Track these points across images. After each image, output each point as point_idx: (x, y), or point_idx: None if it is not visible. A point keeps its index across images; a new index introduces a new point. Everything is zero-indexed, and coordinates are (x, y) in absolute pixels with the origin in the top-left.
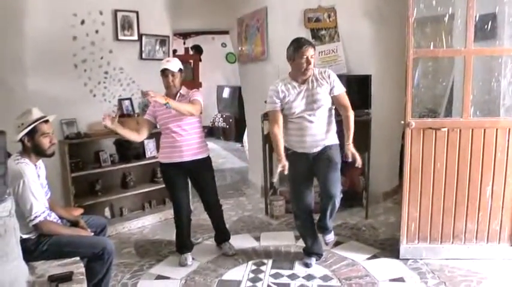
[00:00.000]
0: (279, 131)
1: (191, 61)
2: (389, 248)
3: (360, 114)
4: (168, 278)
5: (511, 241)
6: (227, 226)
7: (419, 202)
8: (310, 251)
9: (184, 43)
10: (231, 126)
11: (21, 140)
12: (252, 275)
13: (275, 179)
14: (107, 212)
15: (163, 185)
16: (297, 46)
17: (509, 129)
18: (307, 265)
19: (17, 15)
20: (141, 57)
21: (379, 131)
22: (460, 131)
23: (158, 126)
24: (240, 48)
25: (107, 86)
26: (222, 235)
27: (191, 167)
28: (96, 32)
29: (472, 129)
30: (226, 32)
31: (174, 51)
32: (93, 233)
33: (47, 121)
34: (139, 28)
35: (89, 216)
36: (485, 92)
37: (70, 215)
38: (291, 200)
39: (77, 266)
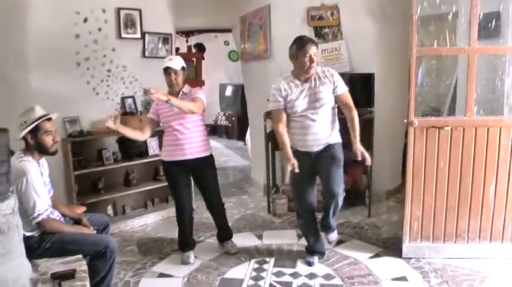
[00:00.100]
0: (284, 130)
1: (194, 59)
2: (391, 247)
3: (362, 113)
4: (170, 276)
5: None
6: (229, 224)
7: (422, 200)
8: (313, 250)
9: (187, 41)
10: (233, 124)
11: (24, 138)
12: (254, 273)
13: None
14: (110, 210)
15: (166, 183)
16: (300, 44)
17: None
18: (309, 264)
19: (20, 13)
20: (144, 55)
21: (382, 130)
22: (464, 129)
23: (161, 125)
24: (242, 46)
25: (109, 84)
26: (224, 233)
27: (194, 165)
28: (99, 30)
29: (476, 128)
30: (229, 30)
31: (177, 49)
32: (95, 231)
33: (49, 119)
34: (142, 26)
35: (91, 214)
36: (489, 91)
37: (73, 213)
38: (294, 199)
39: (79, 264)
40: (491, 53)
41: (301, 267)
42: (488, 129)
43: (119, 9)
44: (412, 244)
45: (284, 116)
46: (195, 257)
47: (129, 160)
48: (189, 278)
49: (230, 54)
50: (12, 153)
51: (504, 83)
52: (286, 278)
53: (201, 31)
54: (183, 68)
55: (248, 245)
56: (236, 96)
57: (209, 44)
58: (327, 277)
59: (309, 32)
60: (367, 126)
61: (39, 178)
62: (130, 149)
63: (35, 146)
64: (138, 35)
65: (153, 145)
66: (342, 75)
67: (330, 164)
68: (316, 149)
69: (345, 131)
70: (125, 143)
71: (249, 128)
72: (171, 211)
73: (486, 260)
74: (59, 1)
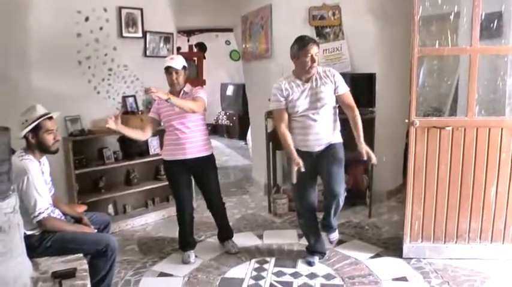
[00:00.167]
0: (286, 129)
1: (195, 58)
2: (392, 247)
3: (364, 113)
4: (171, 275)
5: None
6: (230, 223)
7: (423, 201)
8: (313, 250)
9: (188, 40)
10: (234, 124)
11: (25, 137)
12: (254, 273)
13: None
14: (111, 209)
15: (167, 183)
16: (301, 44)
17: None
18: (310, 264)
19: (21, 11)
20: (145, 55)
21: (383, 130)
22: (465, 130)
23: (162, 124)
24: (244, 45)
25: (111, 83)
26: (225, 233)
27: (194, 164)
28: (101, 29)
29: (477, 129)
30: (230, 30)
31: (178, 48)
32: (96, 230)
33: (51, 118)
34: (144, 25)
35: (92, 213)
36: (491, 91)
37: (74, 211)
38: (295, 199)
39: (80, 263)
40: (493, 54)
41: (301, 267)
42: (489, 129)
43: (120, 8)
44: (412, 244)
45: (286, 116)
46: (196, 256)
47: (130, 159)
48: (190, 278)
49: (231, 53)
50: (13, 152)
51: (506, 84)
52: (286, 278)
53: (202, 30)
54: (184, 67)
55: (249, 245)
56: (237, 96)
57: (210, 43)
58: (328, 277)
59: (310, 32)
60: (368, 126)
61: (40, 176)
62: (131, 148)
63: (36, 144)
64: (140, 34)
65: (154, 144)
66: (343, 75)
67: (331, 163)
68: (318, 149)
69: (346, 131)
70: (125, 142)
71: (250, 128)
72: (171, 210)
73: (487, 260)
74: (60, 0)
